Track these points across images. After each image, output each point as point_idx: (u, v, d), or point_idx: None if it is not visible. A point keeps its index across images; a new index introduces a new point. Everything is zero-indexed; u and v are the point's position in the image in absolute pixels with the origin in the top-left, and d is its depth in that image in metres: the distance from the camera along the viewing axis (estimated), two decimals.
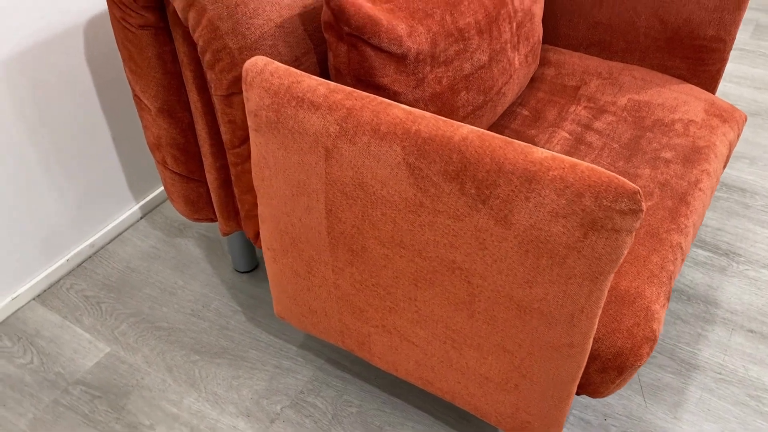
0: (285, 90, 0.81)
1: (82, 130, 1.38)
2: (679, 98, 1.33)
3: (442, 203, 0.75)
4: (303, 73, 0.83)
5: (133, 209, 1.58)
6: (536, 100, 1.35)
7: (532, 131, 1.27)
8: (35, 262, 1.39)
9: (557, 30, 1.50)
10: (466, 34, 1.05)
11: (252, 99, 0.84)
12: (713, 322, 1.37)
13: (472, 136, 0.72)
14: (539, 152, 0.70)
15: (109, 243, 1.54)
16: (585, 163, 0.69)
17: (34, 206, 1.34)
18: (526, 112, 1.32)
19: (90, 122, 1.38)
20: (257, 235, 1.13)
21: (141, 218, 1.61)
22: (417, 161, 0.75)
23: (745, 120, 1.35)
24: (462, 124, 0.75)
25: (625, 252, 0.70)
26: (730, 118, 1.30)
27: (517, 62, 1.22)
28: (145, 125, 1.12)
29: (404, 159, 0.75)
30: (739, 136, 1.35)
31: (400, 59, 0.96)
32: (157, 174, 1.61)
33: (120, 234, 1.56)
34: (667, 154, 1.19)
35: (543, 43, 1.54)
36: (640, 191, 0.69)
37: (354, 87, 0.97)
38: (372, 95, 0.80)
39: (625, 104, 1.32)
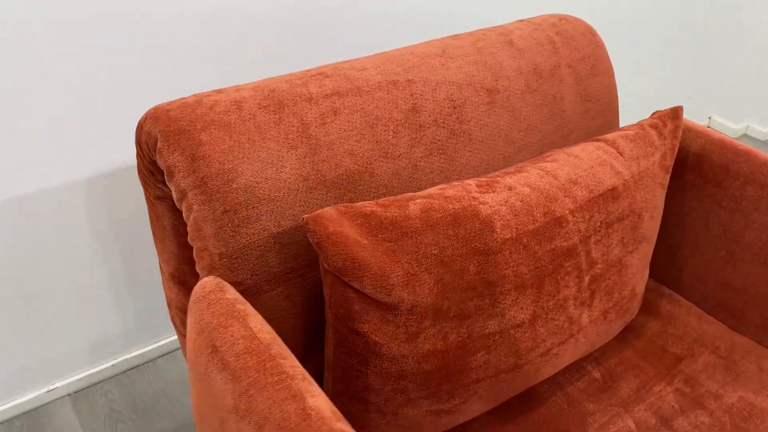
0: (209, 332, 0.71)
1: (154, 249, 1.41)
2: None
3: None
4: (246, 310, 0.73)
5: None
6: (618, 360, 1.09)
7: (591, 405, 1.01)
8: (81, 360, 1.43)
9: (682, 275, 1.22)
10: (498, 289, 0.87)
11: (188, 324, 0.76)
12: None
13: None
14: None
15: (159, 357, 1.54)
16: None
17: (93, 310, 1.39)
18: (597, 374, 1.07)
19: None
20: None
21: None
22: None
23: None
24: None
25: None
26: None
27: (586, 320, 0.99)
28: (163, 282, 1.09)
29: None
30: None
31: (387, 308, 0.81)
32: None
33: (172, 351, 1.56)
34: None
35: (662, 283, 1.26)
36: None
37: (333, 324, 0.84)
38: (291, 376, 0.66)
39: (732, 404, 1.00)
